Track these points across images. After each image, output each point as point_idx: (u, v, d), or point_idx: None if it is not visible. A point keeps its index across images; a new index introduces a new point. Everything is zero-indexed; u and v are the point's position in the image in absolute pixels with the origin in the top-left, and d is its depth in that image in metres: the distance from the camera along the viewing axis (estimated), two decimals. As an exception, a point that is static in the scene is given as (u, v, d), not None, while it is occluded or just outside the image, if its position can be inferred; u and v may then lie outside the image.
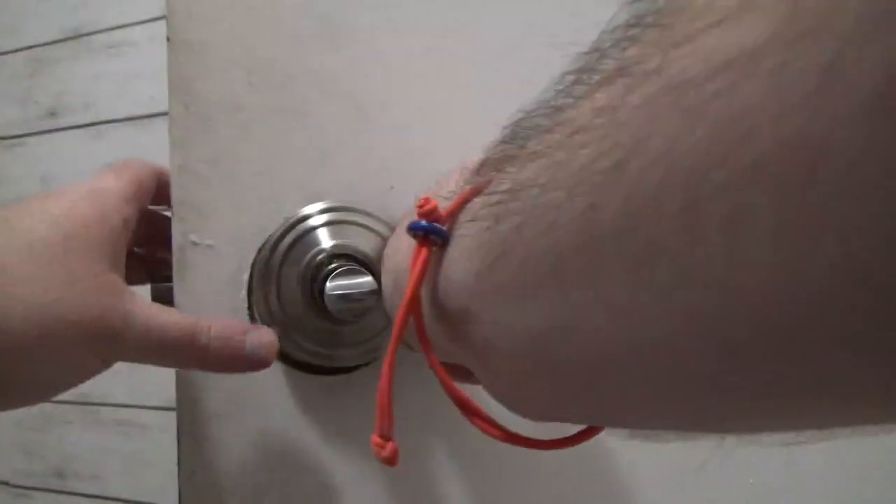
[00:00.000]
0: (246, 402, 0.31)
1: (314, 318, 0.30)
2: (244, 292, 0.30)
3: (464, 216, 0.17)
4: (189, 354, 0.25)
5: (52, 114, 1.09)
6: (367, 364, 0.31)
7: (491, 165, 0.16)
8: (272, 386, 0.31)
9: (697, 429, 0.14)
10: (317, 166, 0.31)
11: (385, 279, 0.24)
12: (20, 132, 1.11)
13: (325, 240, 0.30)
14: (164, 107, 0.30)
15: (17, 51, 1.12)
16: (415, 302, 0.18)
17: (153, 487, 0.99)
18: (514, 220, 0.14)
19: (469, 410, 0.19)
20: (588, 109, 0.12)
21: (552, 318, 0.13)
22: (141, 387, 0.95)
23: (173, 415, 0.30)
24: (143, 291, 0.32)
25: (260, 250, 0.30)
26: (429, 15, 0.32)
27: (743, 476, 0.37)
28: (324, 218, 0.30)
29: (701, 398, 0.12)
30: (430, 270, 0.18)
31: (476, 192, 0.17)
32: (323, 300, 0.28)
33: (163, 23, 0.29)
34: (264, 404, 0.31)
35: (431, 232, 0.17)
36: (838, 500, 0.39)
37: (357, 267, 0.28)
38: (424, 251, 0.17)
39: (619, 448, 0.36)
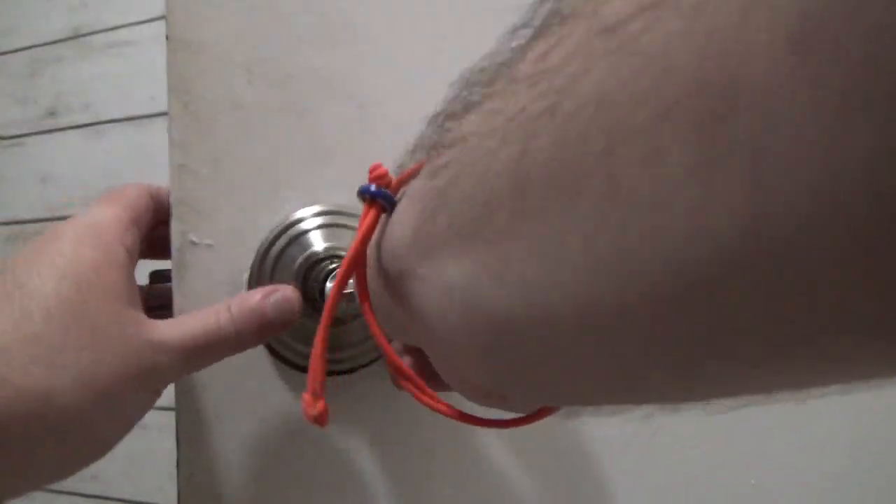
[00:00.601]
0: (245, 403, 0.31)
1: (312, 319, 0.30)
2: (244, 292, 0.30)
3: (411, 181, 0.17)
4: (225, 345, 0.26)
5: (52, 114, 1.09)
6: (365, 365, 0.31)
7: (433, 128, 0.16)
8: (271, 387, 0.31)
9: (636, 398, 0.13)
10: (317, 166, 0.31)
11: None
12: (20, 132, 1.11)
13: (319, 242, 0.30)
14: (164, 107, 0.30)
15: (17, 51, 1.12)
16: (358, 259, 0.18)
17: (153, 487, 0.99)
18: (452, 172, 0.14)
19: (405, 378, 0.18)
20: (528, 59, 0.12)
21: (484, 270, 0.13)
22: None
23: (173, 415, 0.30)
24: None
25: (259, 249, 0.30)
26: (430, 12, 0.32)
27: (744, 477, 0.37)
28: (317, 221, 0.30)
29: (635, 356, 0.11)
30: (376, 236, 0.18)
31: (424, 163, 0.17)
32: (322, 300, 0.28)
33: (163, 23, 0.29)
34: (263, 406, 0.31)
35: (379, 196, 0.18)
36: (840, 501, 0.39)
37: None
38: (372, 211, 0.17)
39: (620, 449, 0.36)
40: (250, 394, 0.31)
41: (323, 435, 0.31)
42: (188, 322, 0.26)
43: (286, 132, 0.31)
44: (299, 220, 0.30)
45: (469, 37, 0.33)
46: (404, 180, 0.18)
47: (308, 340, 0.30)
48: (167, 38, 0.29)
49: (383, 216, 0.18)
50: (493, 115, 0.13)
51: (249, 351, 0.30)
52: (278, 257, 0.30)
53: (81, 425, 0.22)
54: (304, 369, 0.31)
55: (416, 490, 0.33)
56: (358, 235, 0.17)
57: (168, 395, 0.30)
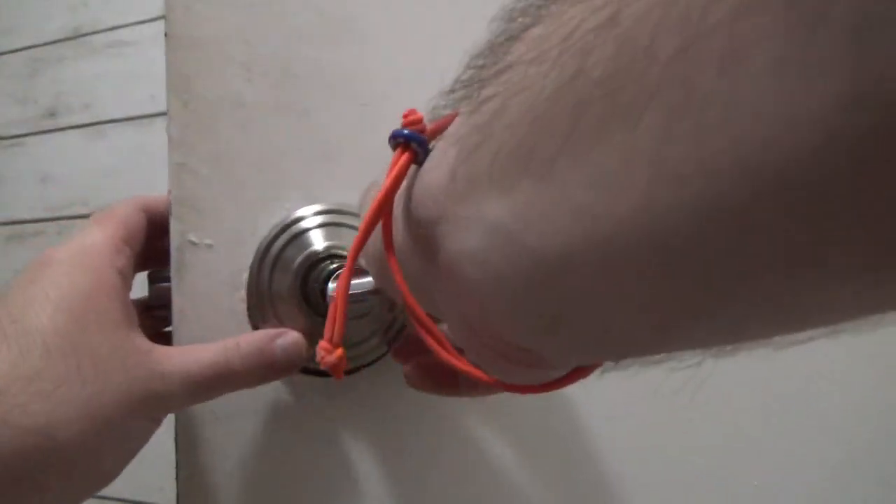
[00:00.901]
0: (244, 403, 0.30)
1: (312, 319, 0.30)
2: (243, 292, 0.30)
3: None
4: (230, 381, 0.26)
5: (52, 114, 1.09)
6: (367, 365, 0.31)
7: (475, 65, 0.15)
8: (270, 388, 0.31)
9: (691, 339, 0.12)
10: (318, 164, 0.31)
11: (361, 211, 0.22)
12: (20, 132, 1.11)
13: (319, 241, 0.30)
14: (164, 106, 0.29)
15: (17, 51, 1.12)
16: (386, 206, 0.16)
17: (153, 487, 0.99)
18: (495, 104, 0.12)
19: (429, 334, 0.17)
20: None
21: (534, 204, 0.11)
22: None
23: (172, 415, 0.30)
24: (141, 288, 0.31)
25: (258, 250, 0.30)
26: (432, 9, 0.32)
27: (748, 479, 0.37)
28: (317, 220, 0.30)
29: (697, 289, 0.10)
30: (404, 185, 0.16)
31: (447, 122, 0.16)
32: (324, 300, 0.28)
33: (163, 22, 0.29)
34: (262, 406, 0.31)
35: (412, 139, 0.16)
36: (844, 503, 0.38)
37: (358, 266, 0.28)
38: (405, 156, 0.16)
39: (621, 449, 0.35)
40: (249, 394, 0.30)
41: (322, 436, 0.31)
42: (195, 354, 0.25)
43: (286, 131, 0.30)
44: (299, 219, 0.30)
45: (471, 33, 0.33)
46: (439, 129, 0.16)
47: (310, 339, 0.30)
48: (166, 35, 0.29)
49: (413, 166, 0.16)
50: (543, 39, 0.12)
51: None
52: (278, 257, 0.29)
53: (85, 457, 0.22)
54: (305, 369, 0.30)
55: (417, 489, 0.33)
56: (387, 180, 0.16)
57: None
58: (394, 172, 0.16)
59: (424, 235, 0.15)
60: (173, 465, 0.30)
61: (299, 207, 0.30)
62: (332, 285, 0.27)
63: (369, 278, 0.27)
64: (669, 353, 0.13)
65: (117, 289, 0.25)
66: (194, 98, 0.29)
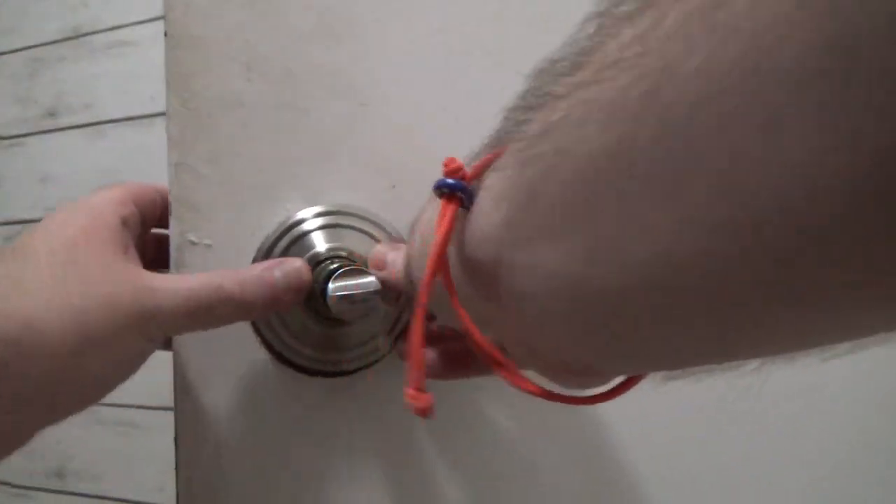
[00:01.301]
0: (244, 404, 0.30)
1: (313, 320, 0.30)
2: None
3: (489, 172, 0.17)
4: (225, 307, 0.26)
5: (52, 114, 1.09)
6: (367, 366, 0.31)
7: (512, 121, 0.16)
8: (271, 388, 0.31)
9: (732, 354, 0.14)
10: (317, 164, 0.31)
11: (410, 249, 0.23)
12: (20, 132, 1.11)
13: (321, 243, 0.30)
14: (164, 107, 0.29)
15: (16, 51, 1.12)
16: (442, 258, 0.18)
17: (153, 487, 0.99)
18: (545, 161, 0.14)
19: (499, 365, 0.18)
20: (615, 46, 0.12)
21: (586, 251, 0.13)
22: (141, 387, 0.95)
23: (173, 415, 0.30)
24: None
25: (259, 250, 0.30)
26: (433, 8, 0.32)
27: (749, 479, 0.37)
28: (318, 221, 0.30)
29: (740, 316, 0.12)
30: (456, 229, 0.18)
31: (498, 154, 0.17)
32: (325, 301, 0.27)
33: (163, 22, 0.29)
34: (263, 407, 0.31)
35: (457, 189, 0.17)
36: None
37: (359, 266, 0.28)
38: (451, 207, 0.17)
39: (621, 451, 0.35)
40: (249, 395, 0.30)
41: (323, 437, 0.31)
42: (188, 277, 0.26)
43: (286, 130, 0.30)
44: (300, 221, 0.30)
45: (472, 34, 0.33)
46: (478, 173, 0.18)
47: (308, 341, 0.30)
48: (166, 34, 0.29)
49: (460, 208, 0.18)
50: (587, 102, 0.13)
51: (249, 352, 0.30)
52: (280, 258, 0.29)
53: (69, 356, 0.22)
54: (304, 370, 0.30)
55: (418, 489, 0.33)
56: (441, 232, 0.17)
57: (168, 394, 0.30)
58: (445, 225, 0.17)
59: (483, 275, 0.17)
60: (173, 465, 0.30)
61: (299, 207, 0.30)
62: (332, 285, 0.27)
63: (372, 278, 0.27)
64: (725, 360, 0.14)
65: (116, 230, 0.26)
66: (194, 97, 0.29)
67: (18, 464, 1.09)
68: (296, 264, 0.27)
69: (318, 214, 0.30)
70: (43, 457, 1.07)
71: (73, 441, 1.04)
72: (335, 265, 0.28)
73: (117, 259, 0.25)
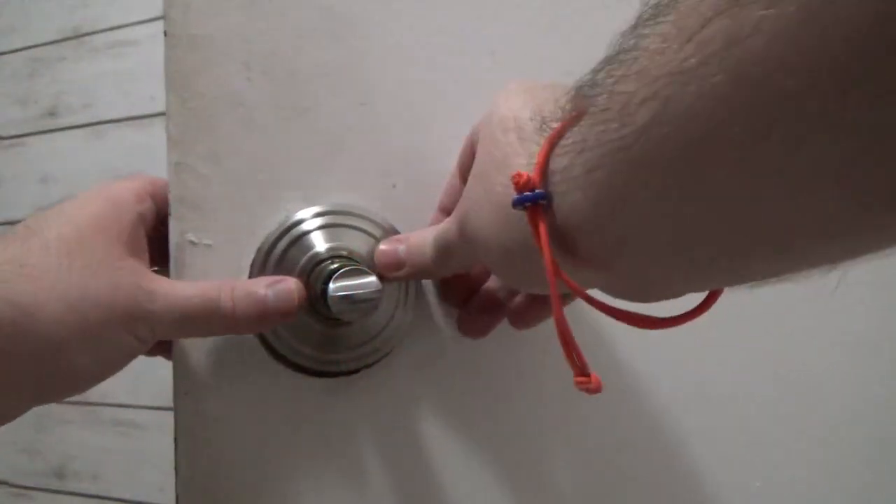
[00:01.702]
0: (244, 404, 0.30)
1: (313, 320, 0.29)
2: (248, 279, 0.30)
3: (555, 165, 0.18)
4: (218, 318, 0.26)
5: (52, 114, 1.09)
6: (368, 367, 0.31)
7: (572, 101, 0.18)
8: (271, 388, 0.30)
9: (809, 256, 0.15)
10: (318, 164, 0.31)
11: (491, 255, 0.24)
12: (20, 132, 1.11)
13: (321, 243, 0.30)
14: (164, 106, 0.29)
15: (17, 51, 1.12)
16: (556, 268, 0.19)
17: (153, 487, 0.99)
18: (622, 148, 0.15)
19: (601, 305, 0.20)
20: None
21: (690, 210, 0.15)
22: (141, 387, 0.95)
23: (172, 417, 0.30)
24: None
25: (259, 250, 0.30)
26: (433, 7, 0.32)
27: (749, 479, 0.37)
28: (319, 221, 0.30)
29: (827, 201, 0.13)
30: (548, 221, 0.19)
31: (551, 143, 0.19)
32: (325, 301, 0.27)
33: (163, 22, 0.29)
34: (263, 407, 0.31)
35: (539, 198, 0.18)
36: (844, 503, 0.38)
37: (360, 266, 0.28)
38: (542, 224, 0.18)
39: (624, 451, 0.35)
40: (249, 395, 0.30)
41: (323, 437, 0.31)
42: (189, 285, 0.27)
43: (286, 130, 0.30)
44: (301, 221, 0.30)
45: (473, 33, 0.33)
46: (542, 170, 0.19)
47: (309, 341, 0.30)
48: (166, 34, 0.29)
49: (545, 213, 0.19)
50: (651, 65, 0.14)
51: (248, 351, 0.30)
52: (280, 259, 0.29)
53: (60, 345, 0.23)
54: (304, 370, 0.30)
55: (418, 489, 0.32)
56: (545, 250, 0.18)
57: (168, 394, 0.29)
58: (544, 238, 0.19)
59: (583, 260, 0.19)
60: (173, 465, 0.30)
61: (300, 207, 0.30)
62: (332, 286, 0.27)
63: (373, 278, 0.27)
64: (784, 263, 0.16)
65: (131, 224, 0.26)
66: (193, 96, 0.29)
67: (18, 464, 1.09)
68: (289, 286, 0.27)
69: (319, 214, 0.30)
70: (43, 457, 1.07)
71: (73, 441, 1.04)
72: (336, 265, 0.28)
73: (124, 256, 0.25)
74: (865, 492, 0.38)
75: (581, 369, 0.20)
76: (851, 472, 0.38)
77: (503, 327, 0.31)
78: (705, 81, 0.13)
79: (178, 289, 0.26)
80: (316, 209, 0.30)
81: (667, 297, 0.19)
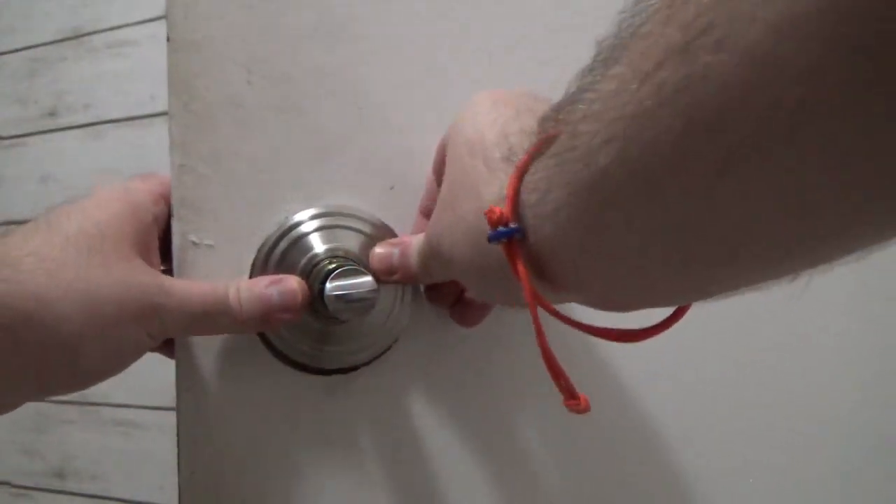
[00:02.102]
0: (245, 403, 0.31)
1: (312, 318, 0.30)
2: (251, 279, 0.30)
3: (527, 199, 0.19)
4: (228, 318, 0.27)
5: (52, 114, 1.08)
6: (366, 364, 0.31)
7: (537, 133, 0.19)
8: (271, 386, 0.31)
9: (781, 263, 0.15)
10: (317, 165, 0.31)
11: (467, 276, 0.25)
12: (20, 132, 1.11)
13: (319, 244, 0.30)
14: (164, 107, 0.30)
15: (17, 51, 1.12)
16: (538, 299, 0.19)
17: (153, 487, 0.99)
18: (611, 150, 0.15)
19: (575, 324, 0.21)
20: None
21: (661, 226, 0.15)
22: (141, 387, 0.95)
23: (173, 415, 0.30)
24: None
25: (259, 250, 0.30)
26: (431, 10, 0.32)
27: (742, 477, 0.37)
28: (318, 223, 0.30)
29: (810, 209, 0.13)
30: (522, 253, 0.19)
31: (520, 175, 0.19)
32: (323, 300, 0.28)
33: (163, 22, 0.29)
34: (264, 405, 0.31)
35: (514, 232, 0.19)
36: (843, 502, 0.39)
37: (357, 266, 0.28)
38: (518, 257, 0.19)
39: (621, 454, 0.36)
40: (250, 392, 0.31)
41: (323, 434, 0.31)
42: (200, 284, 0.27)
43: (286, 132, 0.30)
44: (300, 222, 0.30)
45: (470, 36, 0.33)
46: (514, 202, 0.19)
47: (309, 338, 0.30)
48: (168, 38, 0.29)
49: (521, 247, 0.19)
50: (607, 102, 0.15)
51: (249, 349, 0.30)
52: (281, 260, 0.30)
53: (68, 337, 0.23)
54: (303, 367, 0.31)
55: (418, 488, 0.33)
56: (525, 283, 0.19)
57: (168, 394, 0.30)
58: (523, 273, 0.19)
59: (560, 287, 0.20)
60: (173, 465, 0.30)
61: (299, 208, 0.31)
62: (329, 285, 0.27)
63: (369, 278, 0.28)
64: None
65: (147, 226, 0.27)
66: (195, 99, 0.29)
67: (18, 464, 1.09)
68: (292, 284, 0.28)
69: (318, 215, 0.30)
70: (43, 457, 1.07)
71: (73, 441, 1.04)
72: (333, 265, 0.29)
73: (138, 256, 0.26)
74: (862, 489, 0.38)
75: (570, 392, 0.20)
76: (847, 470, 0.38)
77: (501, 326, 0.32)
78: (661, 123, 0.13)
79: (193, 286, 0.27)
80: (315, 210, 0.31)
81: (644, 307, 0.19)
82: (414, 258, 0.28)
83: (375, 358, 0.31)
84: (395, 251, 0.29)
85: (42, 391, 0.25)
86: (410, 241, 0.29)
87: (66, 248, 0.24)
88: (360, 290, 0.27)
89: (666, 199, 0.14)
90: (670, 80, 0.13)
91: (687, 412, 0.36)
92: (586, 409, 0.20)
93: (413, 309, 0.32)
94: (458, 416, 0.33)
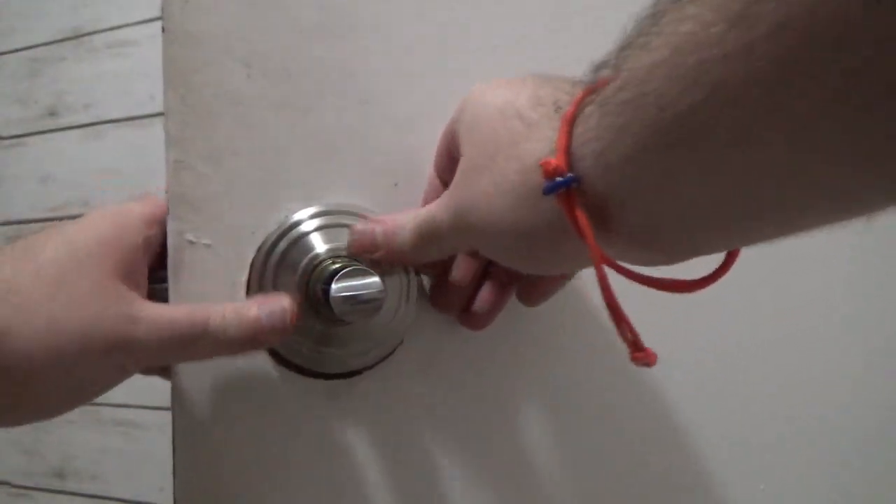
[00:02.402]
0: (243, 406, 0.30)
1: (314, 321, 0.29)
2: (243, 293, 0.30)
3: (584, 149, 0.19)
4: (207, 342, 0.26)
5: (52, 114, 1.08)
6: (369, 367, 0.31)
7: (585, 82, 0.19)
8: (271, 390, 0.30)
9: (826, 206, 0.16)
10: (318, 163, 0.31)
11: (503, 243, 0.24)
12: (20, 132, 1.11)
13: (320, 244, 0.29)
14: (164, 106, 0.29)
15: (17, 51, 1.12)
16: (603, 256, 0.19)
17: (153, 487, 0.98)
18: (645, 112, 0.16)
19: (624, 270, 0.20)
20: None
21: (725, 179, 0.16)
22: (141, 387, 0.95)
23: (171, 418, 0.29)
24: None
25: (259, 250, 0.30)
26: (434, 5, 0.31)
27: (754, 482, 0.36)
28: (319, 221, 0.30)
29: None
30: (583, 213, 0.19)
31: (570, 125, 0.19)
32: (327, 302, 0.27)
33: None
34: (262, 409, 0.30)
35: (573, 182, 0.19)
36: None
37: (363, 267, 0.28)
38: (580, 210, 0.19)
39: (627, 453, 0.35)
40: (249, 397, 0.30)
41: (323, 437, 0.31)
42: (176, 308, 0.26)
43: (286, 128, 0.30)
44: (301, 221, 0.30)
45: (474, 31, 0.33)
46: (566, 150, 0.19)
47: (308, 342, 0.30)
48: (164, 30, 0.28)
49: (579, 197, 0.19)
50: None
51: (249, 354, 0.30)
52: (281, 260, 0.29)
53: (29, 372, 0.23)
54: (304, 371, 0.30)
55: (419, 491, 0.32)
56: (588, 233, 0.18)
57: (168, 394, 0.29)
58: (585, 226, 0.19)
59: (625, 238, 0.20)
60: (173, 466, 0.29)
61: (300, 207, 0.30)
62: (335, 286, 0.27)
63: (376, 278, 0.27)
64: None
65: (134, 248, 0.26)
66: (192, 94, 0.29)
67: (18, 464, 1.08)
68: (283, 304, 0.27)
69: (319, 214, 0.30)
70: (43, 457, 1.07)
71: (73, 441, 1.04)
72: (337, 265, 0.28)
73: (116, 283, 0.25)
74: (873, 495, 0.38)
75: (636, 344, 0.20)
76: (857, 474, 0.38)
77: (507, 327, 0.31)
78: (752, 65, 0.13)
79: (164, 312, 0.25)
80: (316, 208, 0.30)
81: (697, 255, 0.19)
82: (404, 236, 0.28)
83: (379, 362, 0.31)
84: (378, 228, 0.28)
85: (10, 421, 0.24)
86: (395, 219, 0.28)
87: (34, 280, 0.24)
88: (368, 292, 0.27)
89: (752, 144, 0.14)
90: (764, 18, 0.12)
91: (687, 413, 0.36)
92: (653, 363, 0.20)
93: (417, 311, 0.31)
94: (463, 421, 0.33)
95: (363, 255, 0.29)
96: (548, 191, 0.19)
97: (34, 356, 0.23)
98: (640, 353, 0.20)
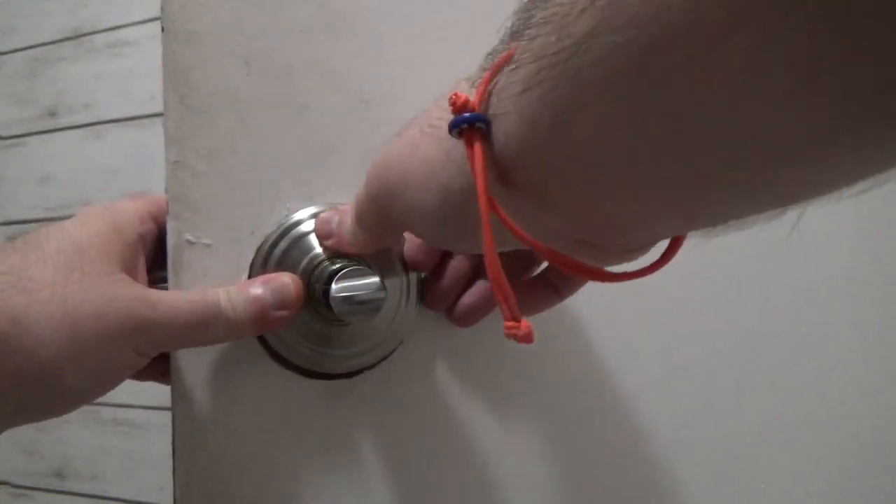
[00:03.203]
0: (243, 407, 0.30)
1: (313, 321, 0.29)
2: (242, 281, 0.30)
3: (498, 91, 0.17)
4: (220, 325, 0.26)
5: (52, 114, 1.08)
6: (369, 368, 0.31)
7: (512, 34, 0.17)
8: (270, 391, 0.30)
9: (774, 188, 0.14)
10: (318, 161, 0.31)
11: (423, 197, 0.21)
12: (20, 132, 1.11)
13: (319, 244, 0.29)
14: (163, 106, 0.29)
15: (16, 51, 1.12)
16: (490, 199, 0.17)
17: (153, 487, 0.98)
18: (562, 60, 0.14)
19: (557, 258, 0.18)
20: None
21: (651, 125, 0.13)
22: (141, 387, 0.95)
23: (170, 419, 0.29)
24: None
25: (258, 250, 0.30)
26: (434, 2, 0.31)
27: (755, 481, 0.36)
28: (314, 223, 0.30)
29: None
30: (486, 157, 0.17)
31: (497, 69, 0.17)
32: (327, 302, 0.27)
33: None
34: (262, 410, 0.30)
35: (476, 120, 0.17)
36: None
37: (362, 267, 0.28)
38: (478, 145, 0.17)
39: (626, 453, 0.35)
40: (248, 397, 0.30)
41: (323, 438, 0.31)
42: (188, 293, 0.26)
43: (286, 127, 0.30)
44: (301, 221, 0.30)
45: (473, 28, 0.33)
46: (483, 95, 0.17)
47: (308, 342, 0.30)
48: (163, 29, 0.28)
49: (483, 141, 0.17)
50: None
51: (248, 353, 0.30)
52: (281, 260, 0.29)
53: (47, 361, 0.22)
54: (303, 371, 0.30)
55: (420, 493, 0.32)
56: (479, 177, 0.17)
57: (168, 395, 0.29)
58: (479, 164, 0.17)
59: (530, 186, 0.17)
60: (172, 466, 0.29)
61: (300, 206, 0.30)
62: (335, 286, 0.27)
63: (376, 278, 0.27)
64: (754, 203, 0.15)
65: (130, 244, 0.26)
66: (191, 93, 0.29)
67: (18, 464, 1.08)
68: (284, 279, 0.27)
69: (314, 215, 0.30)
70: (43, 457, 1.07)
71: (73, 441, 1.04)
72: (337, 265, 0.28)
73: (121, 273, 0.25)
74: (874, 495, 0.38)
75: (512, 314, 0.18)
76: (857, 474, 0.38)
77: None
78: None
79: (180, 296, 0.26)
80: (316, 208, 0.30)
81: (641, 244, 0.17)
82: (349, 220, 0.27)
83: (378, 362, 0.31)
84: (336, 217, 0.28)
85: (17, 418, 0.23)
86: (349, 208, 0.28)
87: (43, 267, 0.23)
88: (368, 292, 0.27)
89: (657, 77, 0.12)
90: None
91: (688, 413, 0.36)
92: (527, 338, 0.18)
93: (417, 312, 0.31)
94: (461, 422, 0.33)
95: (322, 243, 0.29)
96: (451, 126, 0.17)
97: (52, 341, 0.22)
98: (511, 324, 0.18)
